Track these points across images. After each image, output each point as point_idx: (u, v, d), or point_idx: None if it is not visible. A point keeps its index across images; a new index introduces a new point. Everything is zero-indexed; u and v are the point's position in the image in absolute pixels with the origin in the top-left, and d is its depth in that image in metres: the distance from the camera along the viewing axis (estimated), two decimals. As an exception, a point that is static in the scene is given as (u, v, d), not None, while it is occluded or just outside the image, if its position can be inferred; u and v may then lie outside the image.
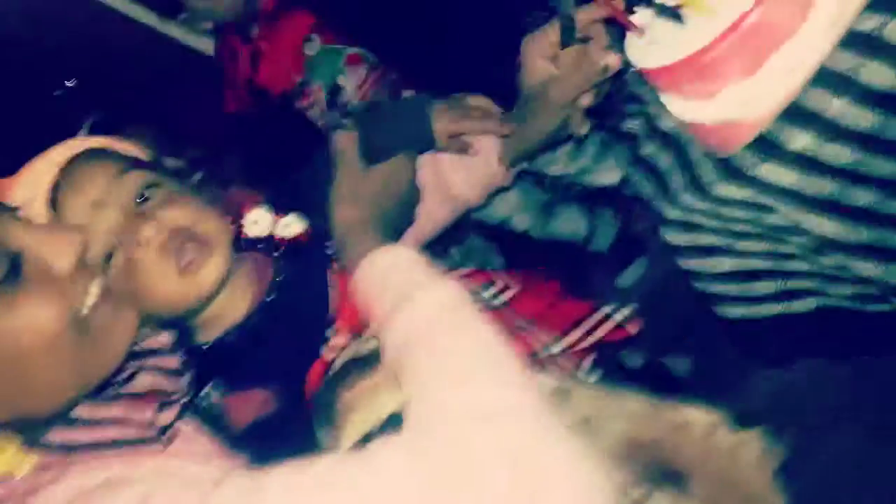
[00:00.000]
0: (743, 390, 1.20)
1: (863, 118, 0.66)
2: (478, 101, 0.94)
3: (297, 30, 1.40)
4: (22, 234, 0.59)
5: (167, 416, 0.68)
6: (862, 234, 0.71)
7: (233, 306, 0.86)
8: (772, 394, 1.17)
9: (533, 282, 1.05)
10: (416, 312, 0.71)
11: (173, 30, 2.04)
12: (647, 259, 1.58)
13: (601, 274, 1.64)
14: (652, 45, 0.77)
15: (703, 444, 0.78)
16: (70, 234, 0.62)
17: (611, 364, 1.01)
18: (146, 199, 0.80)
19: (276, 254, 0.91)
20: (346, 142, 0.91)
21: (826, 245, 0.72)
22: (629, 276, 1.57)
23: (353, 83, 1.40)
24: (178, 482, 0.61)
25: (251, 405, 0.79)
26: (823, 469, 1.09)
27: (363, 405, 0.72)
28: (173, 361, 0.77)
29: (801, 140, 0.68)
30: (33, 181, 0.79)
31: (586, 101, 0.84)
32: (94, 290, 0.64)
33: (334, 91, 1.42)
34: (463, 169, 0.96)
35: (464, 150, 0.95)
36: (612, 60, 0.79)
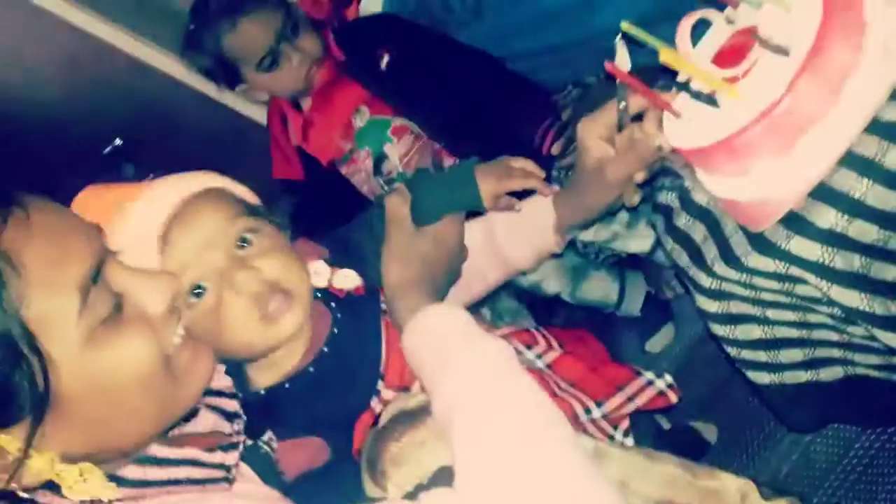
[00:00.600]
0: (771, 455, 1.22)
1: (887, 199, 0.71)
2: (520, 162, 1.00)
3: (349, 102, 1.49)
4: (123, 278, 0.66)
5: (231, 456, 0.72)
6: (889, 307, 0.75)
7: (288, 355, 0.89)
8: (798, 459, 1.19)
9: (574, 344, 1.09)
10: (465, 372, 0.74)
11: (224, 96, 2.14)
12: (676, 325, 1.61)
13: (631, 338, 1.68)
14: (687, 126, 0.83)
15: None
16: (164, 280, 0.69)
17: (645, 428, 1.03)
18: (246, 244, 0.86)
19: (333, 304, 0.95)
20: (397, 203, 0.97)
21: (854, 316, 0.76)
22: (658, 342, 1.60)
23: (398, 152, 1.48)
24: None
25: (305, 453, 0.82)
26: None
27: (410, 459, 0.74)
28: (233, 404, 0.80)
29: (829, 217, 0.73)
30: (152, 208, 0.84)
31: (640, 177, 0.90)
32: (180, 331, 0.69)
33: (380, 159, 1.50)
34: (518, 237, 1.01)
35: (510, 208, 1.00)
36: (665, 141, 0.84)
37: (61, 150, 2.30)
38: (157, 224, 0.82)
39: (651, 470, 0.81)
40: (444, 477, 0.70)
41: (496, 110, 1.39)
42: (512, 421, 0.68)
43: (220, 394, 0.81)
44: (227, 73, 1.47)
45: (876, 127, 0.71)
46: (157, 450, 0.68)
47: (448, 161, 1.46)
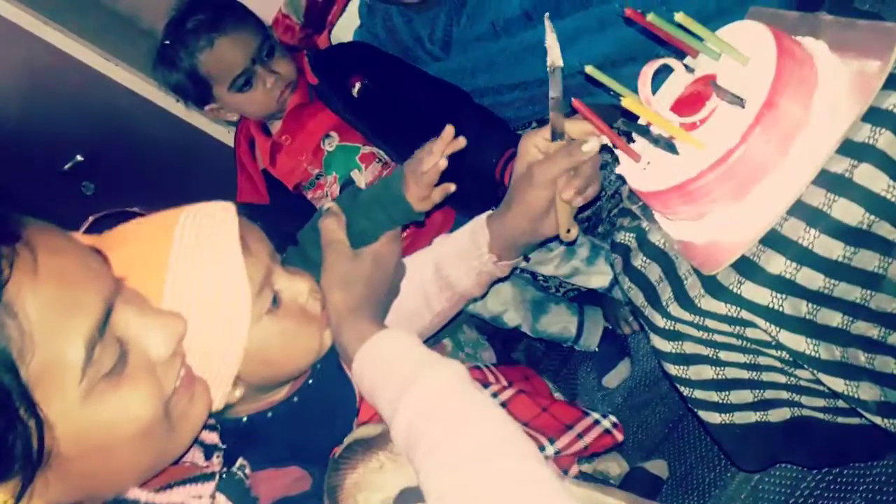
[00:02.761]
0: (721, 494, 1.24)
1: (833, 249, 0.74)
2: (423, 150, 0.99)
3: (319, 127, 1.50)
4: (129, 323, 0.61)
5: (209, 487, 0.70)
6: (833, 353, 0.77)
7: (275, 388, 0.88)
8: (747, 499, 1.21)
9: (521, 382, 1.10)
10: (425, 391, 0.74)
11: (190, 115, 2.13)
12: (632, 361, 1.64)
13: (588, 372, 1.70)
14: (647, 169, 0.86)
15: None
16: (171, 323, 0.64)
17: (593, 478, 1.05)
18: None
19: None
20: (333, 227, 0.95)
21: (801, 360, 0.78)
22: (615, 377, 1.62)
23: (365, 179, 1.49)
24: None
25: (281, 482, 0.80)
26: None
27: (370, 483, 0.75)
28: (212, 437, 0.78)
29: (778, 264, 0.75)
30: (224, 219, 0.79)
31: (568, 195, 0.88)
32: (182, 372, 0.65)
33: (347, 185, 1.51)
34: (458, 259, 1.00)
35: (446, 192, 0.99)
36: (593, 144, 0.85)
37: (19, 163, 2.27)
38: (234, 233, 0.78)
39: (608, 502, 0.82)
40: (408, 498, 0.71)
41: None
42: (476, 433, 0.69)
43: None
44: (198, 90, 1.47)
45: (823, 179, 0.74)
46: (141, 494, 0.65)
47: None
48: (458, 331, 1.80)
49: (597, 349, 1.66)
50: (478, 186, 1.38)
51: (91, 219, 1.46)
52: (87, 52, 2.11)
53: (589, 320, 1.65)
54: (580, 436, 1.00)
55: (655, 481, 1.32)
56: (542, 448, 0.95)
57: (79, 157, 2.39)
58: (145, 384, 0.60)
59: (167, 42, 1.45)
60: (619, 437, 1.04)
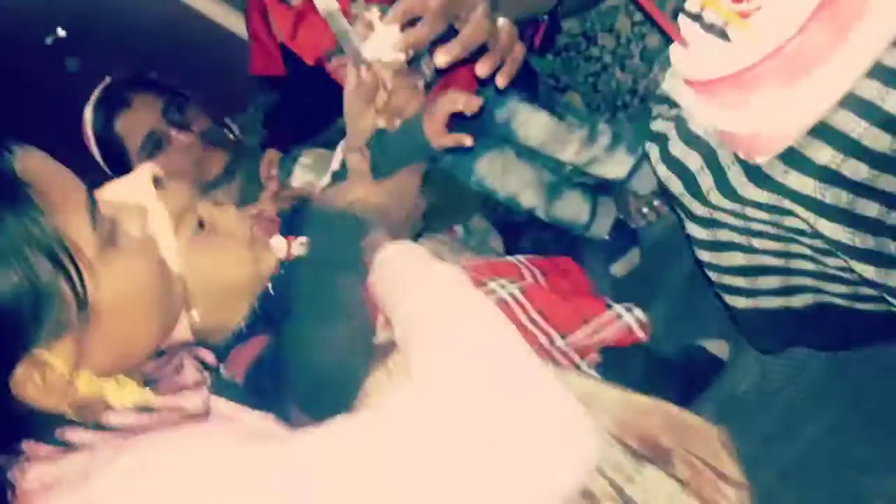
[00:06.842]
0: (731, 375, 1.31)
1: (881, 140, 0.76)
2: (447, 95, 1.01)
3: None
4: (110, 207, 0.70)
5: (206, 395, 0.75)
6: (867, 242, 0.81)
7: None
8: (755, 381, 1.29)
9: (555, 275, 1.12)
10: (422, 290, 0.78)
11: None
12: (641, 250, 1.68)
13: (597, 261, 1.73)
14: (695, 56, 0.86)
15: (686, 430, 0.86)
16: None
17: (614, 367, 1.06)
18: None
19: None
20: (358, 160, 1.02)
21: (836, 248, 0.82)
22: (623, 265, 1.66)
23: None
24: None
25: (252, 351, 0.86)
26: (791, 459, 1.21)
27: (378, 389, 0.81)
28: (210, 355, 0.82)
29: (825, 154, 0.77)
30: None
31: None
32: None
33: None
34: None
35: (460, 143, 1.01)
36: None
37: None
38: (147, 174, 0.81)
39: (609, 392, 0.85)
40: None
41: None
42: (467, 328, 0.70)
43: (197, 343, 0.82)
44: None
45: (878, 71, 0.75)
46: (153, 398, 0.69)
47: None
48: (469, 219, 1.83)
49: (606, 237, 1.70)
50: None
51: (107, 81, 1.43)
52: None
53: (602, 206, 1.67)
54: (597, 331, 1.02)
55: (714, 361, 1.29)
56: (552, 342, 0.99)
57: (60, 32, 2.29)
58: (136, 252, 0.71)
59: None
60: (642, 335, 1.04)
